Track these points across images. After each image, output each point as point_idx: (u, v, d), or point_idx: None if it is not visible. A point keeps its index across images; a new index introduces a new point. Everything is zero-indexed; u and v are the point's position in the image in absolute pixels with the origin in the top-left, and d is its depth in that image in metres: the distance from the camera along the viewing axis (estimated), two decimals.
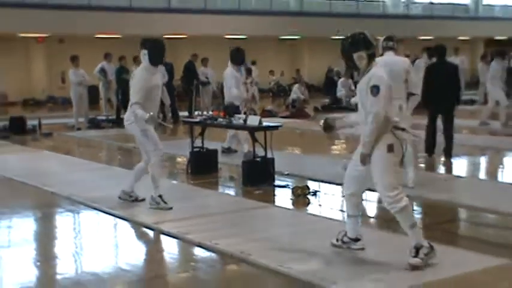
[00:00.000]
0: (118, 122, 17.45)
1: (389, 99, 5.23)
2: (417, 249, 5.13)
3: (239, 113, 9.70)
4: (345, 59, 5.40)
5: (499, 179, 9.71)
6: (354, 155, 5.49)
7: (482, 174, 10.29)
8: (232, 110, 9.72)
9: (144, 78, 7.30)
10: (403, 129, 5.36)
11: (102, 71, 17.87)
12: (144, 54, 7.38)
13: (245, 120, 9.17)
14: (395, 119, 5.30)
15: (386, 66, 8.10)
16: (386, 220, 6.32)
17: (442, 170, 10.24)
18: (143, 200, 7.68)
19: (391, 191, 5.19)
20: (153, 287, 5.25)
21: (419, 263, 5.09)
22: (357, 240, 5.65)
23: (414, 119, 8.43)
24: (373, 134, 5.16)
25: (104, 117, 18.01)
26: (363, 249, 5.62)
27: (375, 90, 5.11)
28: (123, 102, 17.65)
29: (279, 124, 9.86)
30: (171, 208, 7.32)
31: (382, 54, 8.23)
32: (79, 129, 16.67)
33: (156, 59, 7.40)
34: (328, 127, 5.89)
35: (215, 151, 10.25)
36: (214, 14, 26.23)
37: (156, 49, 7.44)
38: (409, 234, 5.22)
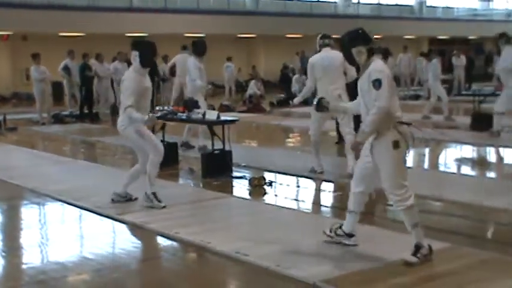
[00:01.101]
0: (81, 117, 17.31)
1: (392, 93, 4.97)
2: (417, 248, 4.98)
3: (198, 108, 9.66)
4: (344, 54, 5.25)
5: (442, 169, 9.88)
6: (362, 152, 5.27)
7: (426, 165, 10.45)
8: (191, 104, 9.68)
9: (136, 80, 6.87)
10: (408, 124, 5.12)
11: (66, 68, 17.62)
12: (135, 56, 6.94)
13: (204, 115, 9.15)
14: (399, 114, 5.03)
15: (323, 60, 8.44)
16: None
17: None
18: (136, 199, 7.29)
19: (399, 189, 4.97)
20: (117, 275, 5.21)
21: (414, 261, 4.93)
22: (350, 235, 5.44)
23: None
24: (372, 125, 4.92)
25: (67, 113, 17.78)
26: (355, 245, 5.40)
27: (377, 83, 4.89)
28: (87, 99, 17.53)
29: (236, 118, 9.86)
30: (164, 207, 6.96)
31: (319, 51, 8.57)
32: (43, 124, 16.44)
33: (147, 60, 6.97)
34: (321, 107, 5.67)
35: (175, 144, 10.22)
36: (174, 13, 26.07)
37: (147, 51, 7.02)
38: (412, 233, 5.04)
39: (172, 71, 11.35)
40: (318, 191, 8.29)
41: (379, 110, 4.87)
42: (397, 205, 5.03)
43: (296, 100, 9.13)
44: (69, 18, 23.29)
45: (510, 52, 11.55)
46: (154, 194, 7.01)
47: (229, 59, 24.29)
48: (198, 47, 10.73)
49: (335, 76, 8.39)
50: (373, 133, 4.99)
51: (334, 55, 8.39)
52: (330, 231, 5.53)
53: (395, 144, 4.93)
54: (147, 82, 7.06)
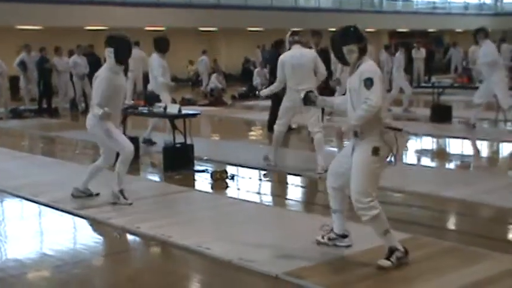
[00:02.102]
0: (40, 112, 17.05)
1: (383, 95, 4.80)
2: (391, 251, 4.79)
3: (159, 101, 9.58)
4: (334, 52, 5.03)
5: (404, 161, 9.97)
6: (340, 152, 5.15)
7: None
8: (152, 98, 9.61)
9: (109, 78, 6.70)
10: (398, 130, 4.90)
11: (22, 63, 17.32)
12: (109, 53, 6.71)
13: (165, 109, 9.09)
14: (387, 120, 4.86)
15: (293, 58, 8.31)
16: None
17: None
18: (97, 194, 7.19)
19: (364, 197, 4.73)
20: (78, 271, 5.14)
21: (388, 265, 4.74)
22: (344, 236, 5.22)
23: None
24: (360, 120, 4.70)
25: (26, 107, 17.49)
26: (350, 246, 5.21)
27: (369, 82, 4.67)
28: (45, 92, 17.26)
29: (197, 112, 9.82)
30: (130, 204, 6.81)
31: (289, 49, 8.47)
32: (0, 119, 16.13)
33: (122, 57, 6.77)
34: (309, 101, 5.40)
35: (136, 138, 10.11)
36: (135, 6, 25.81)
37: (122, 47, 6.79)
38: (383, 241, 4.86)
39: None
40: (280, 184, 8.32)
41: (369, 108, 4.65)
42: (360, 214, 4.80)
43: (263, 93, 9.09)
44: (27, 11, 22.85)
45: (490, 46, 11.61)
46: (121, 191, 6.88)
47: (204, 52, 24.60)
48: (161, 44, 10.56)
49: (305, 75, 8.22)
50: (356, 131, 4.79)
51: (305, 53, 8.34)
52: (323, 238, 5.28)
53: (375, 151, 4.73)
54: (121, 80, 6.89)
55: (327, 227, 5.31)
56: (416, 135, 11.92)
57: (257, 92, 9.49)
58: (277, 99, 12.12)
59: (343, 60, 4.93)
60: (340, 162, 5.07)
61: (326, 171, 7.99)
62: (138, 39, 13.81)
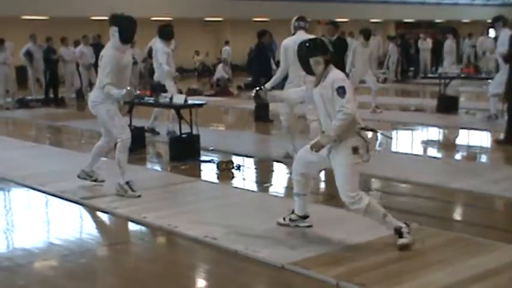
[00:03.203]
0: (47, 102, 17.08)
1: (354, 100, 5.00)
2: (398, 231, 4.98)
3: (165, 92, 9.58)
4: (301, 62, 5.22)
5: (409, 151, 9.93)
6: (311, 142, 5.22)
7: (393, 147, 10.52)
8: (158, 88, 9.60)
9: (115, 57, 6.56)
10: (372, 130, 5.20)
11: (28, 53, 17.33)
12: (114, 32, 6.57)
13: (171, 99, 9.08)
14: (360, 120, 5.03)
15: (296, 44, 8.26)
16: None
17: None
18: (103, 181, 7.21)
19: (351, 191, 4.98)
20: (84, 260, 5.16)
21: (407, 241, 4.95)
22: (305, 217, 5.50)
23: None
24: (339, 130, 4.89)
25: (32, 97, 17.52)
26: (310, 226, 5.48)
27: (341, 91, 4.88)
28: (52, 82, 17.29)
29: (203, 102, 9.81)
30: (139, 196, 6.74)
31: (294, 34, 8.39)
32: (7, 109, 16.17)
33: (127, 36, 6.63)
34: (259, 98, 5.68)
35: (142, 128, 10.15)
36: None
37: (127, 26, 6.64)
38: (385, 226, 5.05)
39: (150, 55, 11.23)
40: (286, 174, 8.31)
41: (346, 116, 4.86)
42: (353, 208, 5.04)
43: (268, 85, 8.93)
44: (33, 1, 22.87)
45: (507, 35, 11.40)
46: (128, 183, 6.82)
47: (226, 43, 25.87)
48: (165, 32, 10.55)
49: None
50: (340, 142, 4.98)
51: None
52: (284, 220, 5.58)
53: (355, 150, 4.95)
54: (127, 59, 6.80)
55: (289, 211, 5.57)
56: (423, 125, 11.89)
57: (261, 88, 9.24)
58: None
59: (310, 71, 5.15)
60: (309, 153, 5.23)
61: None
62: (144, 29, 13.75)
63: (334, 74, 5.04)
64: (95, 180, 7.24)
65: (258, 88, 5.78)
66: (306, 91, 5.41)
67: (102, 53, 6.74)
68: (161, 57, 10.37)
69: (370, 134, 5.41)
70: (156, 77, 10.63)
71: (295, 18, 8.52)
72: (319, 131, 8.32)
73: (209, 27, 30.01)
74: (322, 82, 5.05)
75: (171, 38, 10.58)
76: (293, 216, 5.54)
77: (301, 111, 8.85)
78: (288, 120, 8.60)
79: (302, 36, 8.16)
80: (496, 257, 4.84)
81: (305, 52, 5.15)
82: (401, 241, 4.96)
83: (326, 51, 5.08)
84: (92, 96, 6.86)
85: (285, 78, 8.59)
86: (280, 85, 9.21)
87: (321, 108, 5.13)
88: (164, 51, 10.41)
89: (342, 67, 9.26)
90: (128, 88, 6.57)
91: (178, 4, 26.60)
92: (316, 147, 5.07)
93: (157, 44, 10.59)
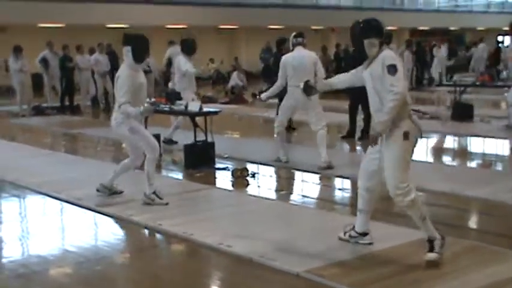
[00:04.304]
0: (62, 109, 17.18)
1: (405, 80, 4.81)
2: (431, 242, 4.79)
3: (180, 99, 9.58)
4: (354, 44, 5.02)
5: (423, 159, 9.86)
6: (368, 150, 5.07)
7: None
8: (173, 96, 9.62)
9: (131, 76, 6.61)
10: (425, 113, 4.99)
11: (43, 60, 17.45)
12: (127, 51, 6.64)
13: (186, 106, 9.10)
14: (410, 101, 4.85)
15: (294, 59, 8.50)
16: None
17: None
18: (122, 192, 7.21)
19: (401, 182, 4.74)
20: (100, 268, 5.18)
21: (435, 258, 4.76)
22: (364, 234, 5.24)
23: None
24: (392, 113, 4.66)
25: (48, 105, 17.63)
26: (371, 243, 5.22)
27: (392, 69, 4.66)
28: (67, 90, 17.39)
29: (218, 109, 9.82)
30: (167, 204, 6.76)
31: (292, 50, 8.68)
32: (23, 116, 16.28)
33: (140, 55, 6.69)
34: (310, 89, 5.49)
35: (158, 136, 10.12)
36: (156, 4, 25.89)
37: (140, 45, 6.73)
38: (421, 227, 4.86)
39: (169, 64, 11.16)
40: (300, 182, 8.31)
41: (397, 96, 4.64)
42: (399, 199, 4.80)
43: (264, 96, 9.04)
44: (49, 9, 23.03)
45: None
46: (154, 192, 6.80)
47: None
48: (188, 46, 10.40)
49: (305, 76, 8.02)
50: (392, 121, 4.72)
51: (306, 54, 8.60)
52: (344, 235, 5.32)
53: (406, 135, 4.73)
54: (142, 77, 6.82)
55: (349, 226, 5.33)
56: (437, 132, 11.81)
57: (257, 96, 9.49)
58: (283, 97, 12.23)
59: (363, 53, 4.90)
60: (371, 160, 5.04)
61: (329, 166, 8.35)
62: (159, 37, 13.83)
63: (386, 52, 4.83)
64: (114, 193, 7.19)
65: (306, 80, 5.71)
66: (356, 74, 5.18)
67: (118, 73, 6.78)
68: (184, 66, 10.21)
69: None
70: (172, 86, 10.56)
71: (293, 35, 8.80)
72: (325, 138, 8.46)
73: (223, 35, 30.09)
74: (373, 62, 4.84)
75: (193, 53, 10.44)
76: (353, 233, 5.28)
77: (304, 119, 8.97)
78: (281, 127, 8.88)
79: (300, 51, 8.59)
80: None
81: (359, 33, 4.90)
82: (429, 256, 4.77)
83: (381, 33, 4.86)
84: (113, 119, 6.83)
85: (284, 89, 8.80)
86: (279, 96, 9.33)
87: (369, 89, 4.89)
88: (184, 68, 10.21)
89: None
90: (146, 104, 6.60)
91: (193, 12, 26.71)
92: (373, 139, 4.83)
93: (179, 58, 10.45)
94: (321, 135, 8.53)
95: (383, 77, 4.73)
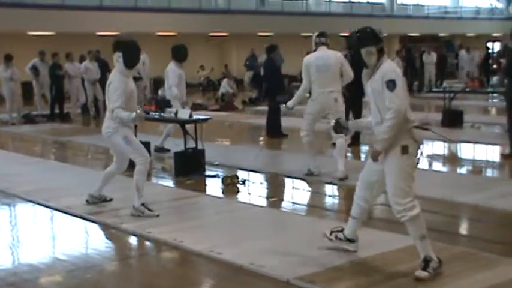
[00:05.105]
0: (52, 117, 17.14)
1: (406, 95, 4.72)
2: (427, 262, 4.67)
3: (170, 107, 9.58)
4: (352, 55, 4.97)
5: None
6: (369, 161, 4.99)
7: None
8: (163, 103, 9.63)
9: (123, 82, 6.53)
10: (426, 129, 4.91)
11: (33, 68, 17.42)
12: (118, 57, 6.56)
13: (176, 114, 9.10)
14: (413, 118, 4.74)
15: (318, 60, 8.06)
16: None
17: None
18: (111, 200, 7.16)
19: (403, 197, 4.67)
20: (90, 276, 5.16)
21: (426, 277, 4.62)
22: (352, 241, 5.21)
23: None
24: (391, 131, 4.60)
25: (38, 113, 17.59)
26: (355, 251, 5.20)
27: (391, 84, 4.58)
28: (57, 98, 17.35)
29: (208, 117, 9.83)
30: (157, 216, 6.60)
31: (315, 50, 8.23)
32: (13, 124, 16.24)
33: (131, 61, 6.63)
34: (340, 127, 5.29)
35: (148, 143, 10.13)
36: (145, 12, 25.92)
37: (131, 51, 6.64)
38: (418, 246, 4.73)
39: None
40: (291, 189, 8.32)
41: (395, 113, 4.57)
42: (400, 215, 4.71)
43: (290, 104, 8.48)
44: (39, 17, 23.02)
45: None
46: (143, 205, 6.66)
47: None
48: (179, 53, 10.20)
49: (330, 77, 8.04)
50: (393, 139, 4.65)
51: (330, 55, 8.14)
52: (331, 234, 5.28)
53: (404, 149, 4.65)
54: (132, 85, 6.77)
55: (338, 227, 5.32)
56: (427, 139, 11.84)
57: (284, 105, 8.86)
58: (274, 103, 12.15)
59: (361, 63, 4.84)
60: (371, 171, 4.99)
61: (346, 177, 8.06)
62: (149, 44, 13.84)
63: (387, 65, 4.74)
64: (104, 201, 7.17)
65: (338, 117, 5.46)
66: None
67: (110, 79, 6.70)
68: (172, 80, 10.09)
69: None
70: (162, 94, 10.47)
71: (316, 34, 8.31)
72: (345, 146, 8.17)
73: (214, 42, 30.14)
74: (374, 75, 4.75)
75: (184, 60, 10.24)
76: (340, 235, 5.24)
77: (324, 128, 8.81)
78: (308, 136, 8.36)
79: (323, 52, 8.10)
80: (502, 272, 4.83)
81: (356, 42, 4.84)
82: (420, 273, 4.65)
83: (378, 40, 4.78)
84: (105, 127, 6.73)
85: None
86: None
87: (371, 103, 4.82)
88: (176, 73, 10.11)
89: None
90: (138, 111, 6.54)
91: (183, 19, 26.74)
92: (375, 155, 4.78)
93: (170, 64, 10.26)
94: (340, 144, 8.13)
95: (382, 93, 4.68)
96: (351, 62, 8.06)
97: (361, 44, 4.79)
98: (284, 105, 7.79)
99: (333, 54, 8.19)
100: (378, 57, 4.76)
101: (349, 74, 8.20)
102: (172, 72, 10.15)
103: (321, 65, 8.03)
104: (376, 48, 4.75)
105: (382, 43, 4.81)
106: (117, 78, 6.59)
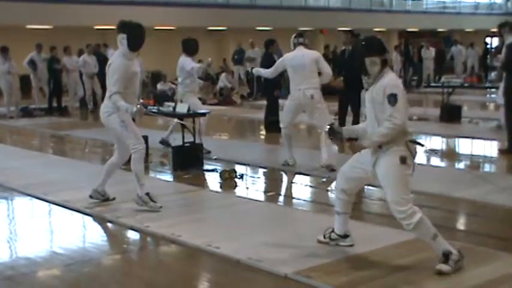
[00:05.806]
0: (50, 111, 17.12)
1: (406, 110, 4.76)
2: (446, 255, 4.67)
3: (169, 101, 9.57)
4: (357, 63, 4.96)
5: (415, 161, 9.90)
6: (355, 157, 5.07)
7: None
8: (161, 97, 9.62)
9: (124, 65, 6.39)
10: (420, 144, 5.01)
11: (31, 62, 17.38)
12: (122, 39, 6.42)
13: (174, 108, 9.10)
14: (410, 131, 4.83)
15: (293, 59, 8.41)
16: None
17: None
18: (114, 199, 7.00)
19: (403, 205, 4.69)
20: (88, 269, 5.17)
21: (448, 270, 4.63)
22: (345, 236, 5.23)
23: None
24: (384, 138, 4.68)
25: (36, 106, 17.56)
26: (352, 245, 5.22)
27: (393, 99, 4.63)
28: (55, 91, 17.33)
29: (206, 111, 9.83)
30: (160, 207, 6.57)
31: (293, 50, 8.57)
32: (11, 118, 16.21)
33: (135, 43, 6.48)
34: (334, 133, 5.28)
35: (146, 137, 10.10)
36: (143, 5, 25.86)
37: (135, 33, 6.51)
38: (433, 246, 4.76)
39: None
40: (289, 183, 8.33)
41: (394, 126, 4.64)
42: (404, 224, 4.73)
43: (255, 70, 9.36)
44: (37, 11, 22.96)
45: None
46: (147, 194, 6.59)
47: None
48: (189, 46, 10.19)
49: (306, 75, 8.33)
50: (380, 144, 4.75)
51: (306, 53, 8.45)
52: (324, 237, 5.31)
53: (403, 160, 4.71)
54: (135, 66, 6.59)
55: (329, 229, 5.32)
56: (426, 134, 11.85)
57: (250, 70, 9.63)
58: (272, 98, 12.25)
59: (365, 71, 4.88)
60: (354, 168, 5.04)
61: (328, 166, 8.25)
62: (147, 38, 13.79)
63: (389, 78, 4.79)
64: (107, 199, 6.98)
65: (331, 123, 5.48)
66: None
67: (111, 61, 6.59)
68: (190, 65, 9.91)
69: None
70: (178, 92, 10.36)
71: (294, 35, 8.67)
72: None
73: (212, 36, 30.10)
74: (375, 85, 4.80)
75: (195, 53, 10.23)
76: (333, 235, 5.27)
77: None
78: (286, 129, 8.78)
79: (300, 51, 8.47)
80: (499, 267, 4.84)
81: (361, 52, 4.93)
82: (441, 267, 4.65)
83: (383, 51, 4.85)
84: (103, 107, 6.61)
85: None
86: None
87: (369, 110, 4.88)
88: (190, 65, 9.94)
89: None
90: (139, 106, 6.41)
91: (182, 13, 26.69)
92: (359, 148, 4.89)
93: (183, 58, 10.10)
94: (326, 135, 8.17)
95: (383, 106, 4.72)
96: (348, 58, 8.17)
97: (367, 53, 4.85)
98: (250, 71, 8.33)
99: (309, 53, 8.52)
100: (380, 67, 4.81)
101: (327, 72, 8.50)
102: (188, 61, 9.97)
103: (296, 65, 8.39)
104: (380, 59, 4.80)
105: (387, 54, 4.89)
106: (118, 61, 6.45)
